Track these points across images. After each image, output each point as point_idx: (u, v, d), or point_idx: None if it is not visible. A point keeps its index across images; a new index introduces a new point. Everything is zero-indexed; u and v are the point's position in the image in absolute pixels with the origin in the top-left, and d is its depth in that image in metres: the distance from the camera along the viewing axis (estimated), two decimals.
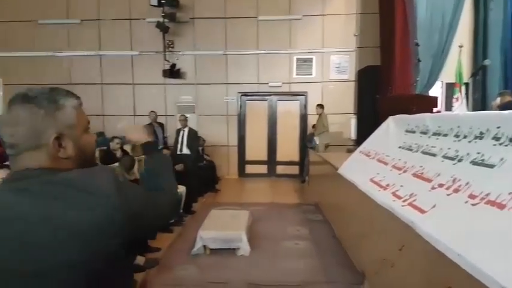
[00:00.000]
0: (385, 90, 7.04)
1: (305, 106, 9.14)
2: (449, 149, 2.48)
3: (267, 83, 9.04)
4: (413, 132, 3.34)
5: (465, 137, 2.36)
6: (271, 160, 9.45)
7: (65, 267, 0.72)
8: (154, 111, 7.76)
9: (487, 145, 2.07)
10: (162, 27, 8.50)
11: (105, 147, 6.07)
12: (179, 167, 6.32)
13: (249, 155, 9.43)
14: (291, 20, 8.93)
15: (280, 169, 9.44)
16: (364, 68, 8.55)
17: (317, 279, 3.50)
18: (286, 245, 4.39)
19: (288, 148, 9.35)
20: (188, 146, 7.04)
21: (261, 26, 8.97)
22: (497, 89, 7.23)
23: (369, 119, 7.24)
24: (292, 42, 8.99)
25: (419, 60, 6.82)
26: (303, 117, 9.22)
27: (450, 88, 8.08)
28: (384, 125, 4.15)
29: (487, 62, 7.67)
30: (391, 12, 7.30)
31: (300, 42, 8.96)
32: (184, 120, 7.17)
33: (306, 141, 8.70)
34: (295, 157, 9.31)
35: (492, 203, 1.69)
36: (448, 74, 7.94)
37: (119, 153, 5.76)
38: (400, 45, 7.13)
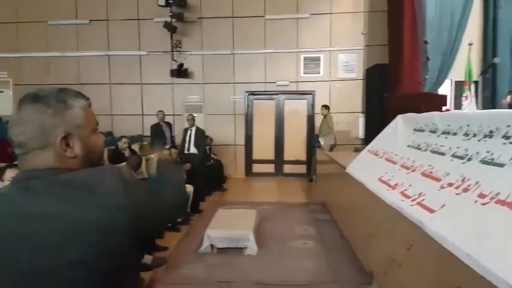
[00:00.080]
0: (393, 88, 6.99)
1: (312, 105, 9.11)
2: (458, 148, 2.46)
3: (274, 82, 9.03)
4: (422, 131, 3.31)
5: (474, 135, 2.33)
6: (279, 159, 9.44)
7: (73, 267, 0.72)
8: (162, 111, 7.79)
9: (496, 144, 2.05)
10: (170, 27, 8.53)
11: (113, 147, 6.11)
12: (186, 166, 6.34)
13: (256, 154, 9.43)
14: (298, 18, 8.90)
15: (287, 168, 9.42)
16: (372, 66, 8.49)
17: (325, 279, 3.49)
18: (293, 245, 4.38)
19: (295, 147, 9.33)
20: (196, 146, 7.06)
21: (269, 25, 8.95)
22: (507, 87, 7.14)
23: (377, 118, 7.20)
24: (300, 41, 8.96)
25: (428, 58, 6.75)
26: (311, 116, 9.19)
27: (459, 86, 7.98)
28: (392, 124, 4.12)
29: (496, 60, 7.56)
30: (400, 10, 7.25)
31: (307, 40, 8.93)
32: (191, 120, 7.19)
33: (313, 140, 8.67)
34: (303, 156, 9.29)
35: (502, 203, 1.66)
36: (457, 72, 7.85)
37: (127, 153, 5.79)
38: (408, 43, 7.07)
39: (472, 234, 1.69)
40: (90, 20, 9.18)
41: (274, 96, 9.29)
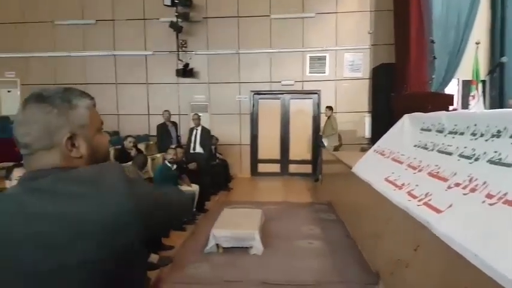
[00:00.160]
0: (400, 88, 6.95)
1: (318, 104, 9.09)
2: (465, 147, 2.44)
3: (280, 82, 9.03)
4: (429, 130, 3.29)
5: (482, 135, 2.31)
6: (284, 159, 9.43)
7: (79, 267, 0.72)
8: (167, 111, 7.81)
9: (504, 144, 2.03)
10: (176, 27, 8.56)
11: (119, 146, 6.15)
12: (192, 165, 6.36)
13: (262, 154, 9.43)
14: (304, 18, 8.88)
15: (292, 168, 9.41)
16: (378, 65, 8.46)
17: (331, 279, 3.48)
18: (299, 244, 4.37)
19: (301, 147, 9.32)
20: (201, 145, 7.07)
21: (274, 24, 8.95)
22: None
23: (383, 118, 7.17)
24: (305, 40, 8.94)
25: (434, 58, 6.71)
26: (316, 116, 9.17)
27: (467, 86, 7.92)
28: (399, 123, 4.10)
29: (504, 59, 7.50)
30: (406, 9, 7.21)
31: (313, 40, 8.91)
32: (197, 119, 7.21)
33: (318, 140, 8.65)
34: (308, 156, 9.28)
35: (510, 203, 1.65)
36: (464, 71, 7.79)
37: (133, 152, 5.82)
38: (415, 42, 7.03)
39: (479, 234, 1.68)
40: (96, 20, 9.24)
41: (279, 95, 9.29)
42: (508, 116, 2.15)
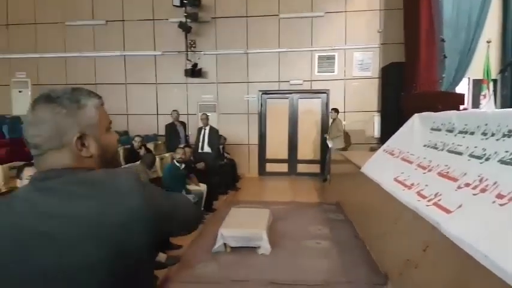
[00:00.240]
0: (409, 87, 6.89)
1: (327, 104, 9.04)
2: (476, 147, 2.41)
3: (288, 81, 9.01)
4: (439, 130, 3.26)
5: (493, 135, 2.28)
6: (292, 158, 9.41)
7: (87, 267, 0.72)
8: (176, 110, 7.85)
9: None
10: (185, 27, 8.60)
11: (129, 146, 6.19)
12: (200, 165, 6.38)
13: (270, 154, 9.42)
14: (313, 17, 8.85)
15: (301, 168, 9.39)
16: (388, 64, 8.40)
17: (339, 279, 3.46)
18: (307, 244, 4.36)
19: (309, 146, 9.30)
20: (209, 145, 7.10)
21: (283, 23, 8.93)
22: None
23: (392, 117, 7.11)
24: (314, 39, 8.91)
25: (445, 57, 6.63)
26: (325, 115, 9.12)
27: (477, 85, 7.81)
28: (408, 123, 4.07)
29: None
30: (416, 8, 7.14)
31: (322, 39, 8.87)
32: (205, 119, 7.23)
33: (327, 140, 8.61)
34: (316, 156, 9.23)
35: None
36: (475, 70, 7.67)
37: (142, 151, 5.86)
38: (425, 41, 6.96)
39: (489, 235, 1.66)
40: (107, 21, 9.32)
41: (287, 95, 9.27)
42: None
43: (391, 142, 4.33)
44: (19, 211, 0.76)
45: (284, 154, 9.39)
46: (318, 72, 8.97)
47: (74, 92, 0.86)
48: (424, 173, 2.92)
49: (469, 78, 8.00)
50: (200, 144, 7.13)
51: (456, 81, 7.60)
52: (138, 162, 4.96)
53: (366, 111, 8.84)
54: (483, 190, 1.98)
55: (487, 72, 7.46)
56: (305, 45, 8.91)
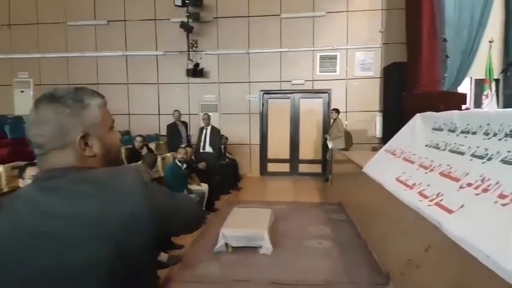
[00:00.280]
0: (411, 87, 6.87)
1: (328, 104, 9.04)
2: (478, 147, 2.40)
3: (290, 81, 9.01)
4: (441, 130, 3.25)
5: (495, 134, 2.27)
6: (294, 158, 9.40)
7: (90, 267, 0.72)
8: (178, 110, 7.86)
9: None
10: (186, 27, 8.60)
11: (130, 146, 6.20)
12: (202, 165, 6.38)
13: (271, 154, 9.41)
14: (314, 17, 8.85)
15: (302, 168, 9.38)
16: (390, 64, 8.38)
17: (341, 279, 3.46)
18: (309, 244, 4.35)
19: (311, 146, 9.29)
20: (211, 145, 7.10)
21: (284, 23, 8.93)
22: None
23: (394, 117, 7.10)
24: (316, 39, 8.90)
25: (447, 56, 6.61)
26: (326, 115, 9.11)
27: (479, 84, 7.79)
28: (410, 123, 4.06)
29: None
30: (418, 7, 7.13)
31: (323, 39, 8.86)
32: (207, 119, 7.23)
33: (327, 141, 8.60)
34: (318, 155, 9.23)
35: None
36: (477, 70, 7.65)
37: (144, 151, 5.86)
38: (427, 41, 6.95)
39: (491, 235, 1.65)
40: (108, 21, 9.34)
41: (289, 95, 9.26)
42: None
43: (393, 142, 4.32)
44: (22, 211, 0.76)
45: (286, 154, 9.39)
46: (320, 72, 8.96)
47: (77, 91, 0.86)
48: (426, 173, 2.91)
49: (471, 78, 7.97)
50: (202, 144, 7.13)
51: (458, 81, 7.58)
52: (139, 162, 4.96)
53: (367, 111, 8.83)
54: (485, 190, 1.97)
55: (489, 71, 7.43)
56: (307, 45, 8.91)
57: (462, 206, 2.04)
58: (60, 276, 0.72)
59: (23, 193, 0.83)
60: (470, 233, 1.78)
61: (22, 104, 9.46)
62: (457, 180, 2.35)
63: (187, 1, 8.38)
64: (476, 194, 2.02)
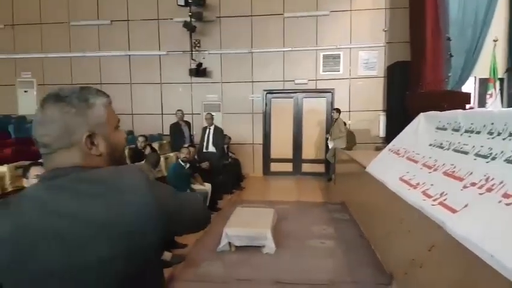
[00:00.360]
0: (415, 86, 6.85)
1: (332, 103, 9.02)
2: (482, 146, 2.39)
3: (293, 81, 9.00)
4: (445, 129, 3.24)
5: (499, 134, 2.26)
6: (297, 158, 9.39)
7: (96, 266, 0.72)
8: (181, 110, 7.87)
9: None
10: (189, 27, 8.61)
11: (133, 145, 6.22)
12: (205, 164, 6.39)
13: (274, 153, 9.41)
14: (318, 16, 8.83)
15: (305, 167, 9.37)
16: (393, 63, 8.36)
17: (344, 278, 3.45)
18: (312, 244, 4.35)
19: (314, 146, 9.28)
20: (214, 144, 7.10)
21: (287, 23, 8.92)
22: None
23: (398, 116, 7.08)
24: (319, 38, 8.89)
25: (451, 55, 6.59)
26: (330, 115, 9.09)
27: (484, 84, 7.75)
28: (414, 122, 4.04)
29: None
30: (422, 6, 7.10)
31: (327, 38, 8.85)
32: (210, 119, 7.24)
33: (328, 141, 8.58)
34: (321, 155, 9.21)
35: None
36: (481, 69, 7.61)
37: (147, 151, 5.88)
38: (431, 40, 6.92)
39: (495, 234, 1.64)
40: (111, 21, 9.36)
41: (292, 94, 9.26)
42: None
43: (397, 141, 4.31)
44: (29, 210, 0.76)
45: (289, 154, 9.38)
46: (323, 71, 8.95)
47: (83, 91, 0.87)
48: (430, 173, 2.90)
49: (475, 77, 7.93)
50: (205, 143, 7.14)
51: (462, 80, 7.55)
52: (143, 162, 4.97)
53: (371, 111, 8.81)
54: (489, 189, 1.96)
55: (494, 71, 7.39)
56: (310, 44, 8.89)
57: (466, 206, 2.03)
58: (65, 277, 0.72)
59: (29, 192, 0.83)
60: (474, 233, 1.77)
61: (25, 103, 9.51)
62: (461, 179, 2.34)
63: (190, 1, 8.39)
64: (480, 194, 2.01)
